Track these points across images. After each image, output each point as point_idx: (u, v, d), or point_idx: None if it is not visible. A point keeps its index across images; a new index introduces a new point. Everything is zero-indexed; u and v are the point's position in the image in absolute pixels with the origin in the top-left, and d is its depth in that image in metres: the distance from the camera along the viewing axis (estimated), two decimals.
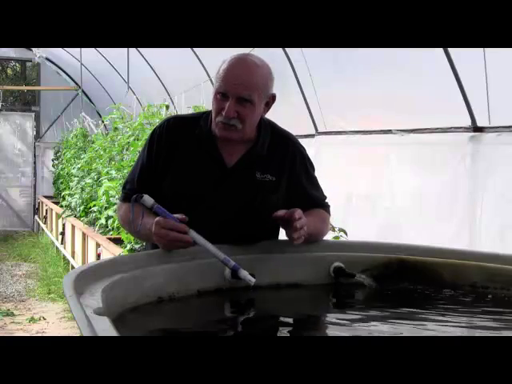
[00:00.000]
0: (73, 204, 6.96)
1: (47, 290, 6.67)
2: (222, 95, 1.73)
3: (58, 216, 7.93)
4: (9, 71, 15.18)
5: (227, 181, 1.81)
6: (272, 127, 1.90)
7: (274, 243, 1.84)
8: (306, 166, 1.93)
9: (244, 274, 1.60)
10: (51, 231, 9.27)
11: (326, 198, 1.96)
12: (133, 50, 7.78)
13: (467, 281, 1.73)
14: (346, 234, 3.22)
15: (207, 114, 1.88)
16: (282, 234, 1.85)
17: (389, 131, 3.90)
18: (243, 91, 1.72)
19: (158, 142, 1.86)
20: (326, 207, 1.95)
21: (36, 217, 11.99)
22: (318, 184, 1.96)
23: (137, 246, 4.13)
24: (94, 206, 5.70)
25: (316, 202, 1.92)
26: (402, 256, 1.80)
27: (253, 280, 1.60)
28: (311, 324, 1.60)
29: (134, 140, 5.43)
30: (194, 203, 1.79)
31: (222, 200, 1.80)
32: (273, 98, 1.82)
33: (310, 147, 4.43)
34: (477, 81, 3.17)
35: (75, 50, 10.16)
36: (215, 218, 1.78)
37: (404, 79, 3.94)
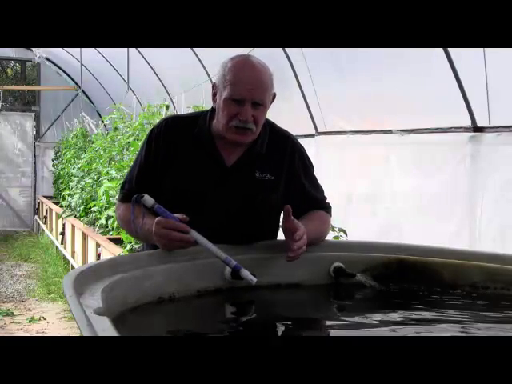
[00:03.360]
0: (73, 204, 6.96)
1: (47, 290, 6.66)
2: (235, 101, 1.73)
3: (58, 216, 7.92)
4: (9, 71, 15.18)
5: (227, 180, 1.81)
6: (270, 126, 1.91)
7: (273, 243, 1.84)
8: (306, 164, 1.93)
9: (246, 273, 1.60)
10: (51, 231, 9.27)
11: (326, 198, 1.96)
12: (133, 50, 7.79)
13: (467, 281, 1.73)
14: (345, 234, 3.22)
15: (205, 113, 1.88)
16: (281, 234, 1.84)
17: (389, 131, 3.90)
18: (259, 95, 1.73)
19: (156, 142, 1.85)
20: (326, 208, 1.94)
21: (36, 217, 11.99)
22: (318, 184, 1.95)
23: (137, 246, 4.12)
24: (94, 205, 5.70)
25: (316, 202, 1.91)
26: (402, 256, 1.80)
27: (254, 279, 1.60)
28: (311, 324, 1.60)
29: (134, 140, 5.43)
30: (194, 202, 1.79)
31: (222, 199, 1.80)
32: (273, 97, 1.83)
33: (310, 147, 4.43)
34: (477, 81, 3.17)
35: (75, 50, 10.17)
36: (215, 216, 1.78)
37: (404, 79, 3.94)
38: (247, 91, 1.72)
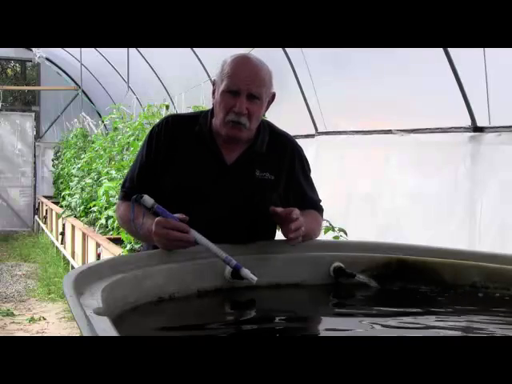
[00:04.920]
0: (73, 204, 6.96)
1: (47, 290, 6.67)
2: (231, 93, 1.74)
3: (58, 216, 7.93)
4: (9, 71, 15.17)
5: (227, 178, 1.82)
6: (270, 127, 1.92)
7: (273, 243, 1.84)
8: (304, 166, 1.95)
9: (246, 272, 1.60)
10: (51, 231, 9.27)
11: (320, 201, 1.98)
12: (133, 50, 7.79)
13: (467, 281, 1.73)
14: (346, 233, 3.21)
15: (206, 112, 1.89)
16: (280, 235, 1.84)
17: (389, 131, 3.90)
18: (255, 88, 1.75)
19: (157, 140, 1.86)
20: (319, 210, 1.97)
21: (36, 217, 11.99)
22: (314, 186, 1.97)
23: (137, 246, 4.13)
24: (94, 205, 5.70)
25: (311, 203, 1.94)
26: (402, 256, 1.80)
27: (254, 278, 1.60)
28: (311, 324, 1.60)
29: (134, 140, 5.43)
30: (194, 199, 1.79)
31: (222, 197, 1.80)
32: (273, 96, 1.84)
33: (310, 147, 4.43)
34: (477, 81, 3.17)
35: (75, 50, 10.17)
36: (214, 214, 1.78)
37: (404, 79, 3.94)
38: (243, 82, 1.74)
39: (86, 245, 5.89)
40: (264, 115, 1.92)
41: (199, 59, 6.81)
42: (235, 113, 1.75)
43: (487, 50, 3.02)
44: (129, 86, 7.93)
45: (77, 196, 6.87)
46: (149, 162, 1.86)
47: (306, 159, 1.97)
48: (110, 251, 4.43)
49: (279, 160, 1.87)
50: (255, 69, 1.77)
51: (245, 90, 1.74)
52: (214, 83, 1.84)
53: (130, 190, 1.84)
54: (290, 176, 1.88)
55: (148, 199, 1.69)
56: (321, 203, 1.98)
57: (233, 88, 1.74)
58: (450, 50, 3.23)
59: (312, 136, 4.88)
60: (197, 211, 1.72)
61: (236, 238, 1.74)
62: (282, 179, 1.86)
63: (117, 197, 4.56)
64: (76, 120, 10.35)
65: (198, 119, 1.88)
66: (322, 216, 1.98)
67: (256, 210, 1.81)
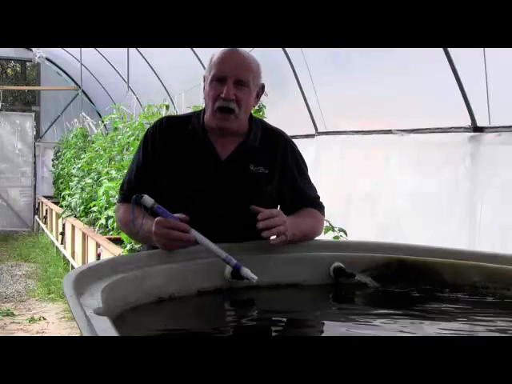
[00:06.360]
0: (73, 204, 6.95)
1: (47, 290, 6.66)
2: (218, 81, 1.77)
3: (58, 216, 7.92)
4: (9, 71, 15.18)
5: (222, 173, 1.83)
6: (263, 124, 1.95)
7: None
8: (298, 161, 1.95)
9: (246, 271, 1.60)
10: (51, 231, 9.27)
11: (319, 197, 1.97)
12: (133, 50, 7.79)
13: (467, 281, 1.73)
14: (345, 233, 3.22)
15: (199, 112, 1.91)
16: None
17: (389, 131, 3.91)
18: (241, 73, 1.77)
19: (152, 142, 1.88)
20: (319, 207, 1.96)
21: (36, 217, 11.99)
22: (310, 181, 1.97)
23: (137, 246, 4.12)
24: (94, 206, 5.70)
25: (308, 198, 1.93)
26: (402, 256, 1.80)
27: (255, 278, 1.60)
28: (311, 324, 1.60)
29: (134, 140, 5.43)
30: (191, 197, 1.80)
31: (218, 193, 1.81)
32: (262, 88, 1.86)
33: (310, 147, 4.43)
34: (477, 81, 3.17)
35: (75, 50, 10.17)
36: (211, 211, 1.79)
37: (404, 79, 3.94)
38: (229, 69, 1.77)
39: (86, 245, 5.88)
40: (254, 106, 1.93)
41: (199, 59, 6.82)
42: (223, 99, 1.76)
43: (487, 49, 3.02)
44: (129, 86, 7.92)
45: (77, 196, 6.86)
46: (145, 163, 1.88)
47: (301, 155, 1.97)
48: (110, 251, 4.43)
49: (272, 154, 1.88)
50: (241, 56, 1.80)
51: (231, 76, 1.76)
52: (203, 79, 1.86)
53: (129, 193, 1.84)
54: (284, 170, 1.89)
55: (148, 199, 1.69)
56: (320, 199, 1.97)
57: (219, 75, 1.77)
58: (450, 50, 3.23)
59: (312, 136, 4.88)
60: (194, 209, 1.73)
61: (234, 233, 1.74)
62: (276, 173, 1.87)
63: (116, 197, 4.56)
64: (76, 120, 10.35)
65: (191, 119, 1.90)
66: (323, 213, 1.97)
67: (252, 204, 1.82)
